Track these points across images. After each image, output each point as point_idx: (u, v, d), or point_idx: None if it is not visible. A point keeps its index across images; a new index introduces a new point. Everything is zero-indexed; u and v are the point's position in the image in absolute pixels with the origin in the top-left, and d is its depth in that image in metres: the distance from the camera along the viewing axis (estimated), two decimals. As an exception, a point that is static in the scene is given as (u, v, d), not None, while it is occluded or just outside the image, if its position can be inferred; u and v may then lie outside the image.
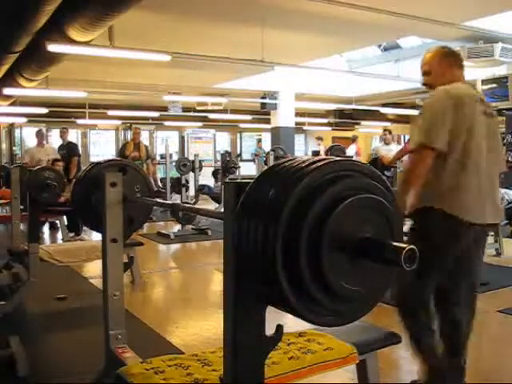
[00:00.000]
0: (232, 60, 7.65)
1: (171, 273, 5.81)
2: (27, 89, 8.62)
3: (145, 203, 2.38)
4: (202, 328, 3.63)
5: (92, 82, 10.58)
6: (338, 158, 1.07)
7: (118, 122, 15.16)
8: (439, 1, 6.05)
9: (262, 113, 13.55)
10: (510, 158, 8.95)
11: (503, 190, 6.15)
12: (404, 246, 0.96)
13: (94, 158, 14.65)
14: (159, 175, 12.17)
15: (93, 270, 5.28)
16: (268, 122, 13.54)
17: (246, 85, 11.72)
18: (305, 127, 16.81)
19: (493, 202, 2.32)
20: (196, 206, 3.30)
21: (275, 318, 1.18)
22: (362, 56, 11.53)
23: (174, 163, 9.09)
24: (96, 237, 5.74)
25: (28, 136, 14.67)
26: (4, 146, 14.93)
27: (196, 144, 15.20)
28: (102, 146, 16.80)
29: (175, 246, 7.16)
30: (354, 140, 13.20)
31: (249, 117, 14.65)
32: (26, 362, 2.79)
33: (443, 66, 2.38)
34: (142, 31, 7.06)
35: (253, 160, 13.21)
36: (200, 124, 15.41)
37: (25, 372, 2.75)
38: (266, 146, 15.08)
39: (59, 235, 7.41)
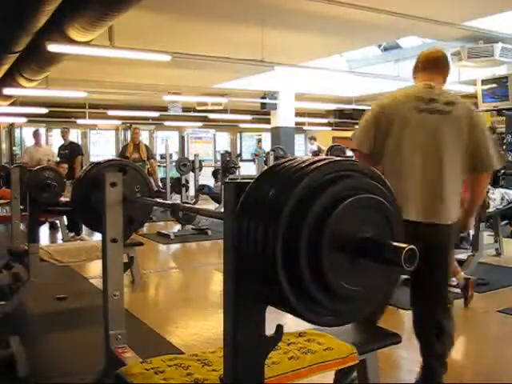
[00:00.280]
0: (232, 60, 7.65)
1: (171, 273, 5.81)
2: (27, 89, 8.62)
3: (145, 203, 2.38)
4: (202, 328, 3.63)
5: (92, 81, 10.58)
6: (338, 158, 1.07)
7: (118, 122, 15.16)
8: (439, 1, 6.05)
9: (262, 113, 13.55)
10: (510, 158, 8.95)
11: (503, 190, 6.15)
12: (404, 245, 0.96)
13: (93, 158, 14.64)
14: (159, 175, 12.17)
15: (93, 270, 5.28)
16: (268, 122, 13.55)
17: (246, 85, 11.72)
18: (305, 127, 16.81)
19: (421, 200, 2.25)
20: (196, 206, 3.31)
21: (275, 318, 1.18)
22: (362, 56, 11.53)
23: (173, 163, 9.10)
24: (96, 237, 5.74)
25: (28, 136, 14.65)
26: (4, 145, 14.93)
27: (196, 144, 15.20)
28: (101, 146, 16.80)
29: (175, 246, 7.16)
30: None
31: (249, 117, 14.65)
32: (25, 362, 2.79)
33: (415, 71, 2.54)
34: (141, 31, 7.06)
35: (253, 160, 13.21)
36: (200, 124, 15.42)
37: (25, 372, 2.75)
38: (266, 145, 15.08)
39: (59, 235, 7.40)
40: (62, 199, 4.63)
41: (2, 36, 5.39)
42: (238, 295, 1.12)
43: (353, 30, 7.21)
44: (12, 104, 11.36)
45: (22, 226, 4.74)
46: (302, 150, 18.06)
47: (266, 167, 7.97)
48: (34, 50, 5.95)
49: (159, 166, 12.25)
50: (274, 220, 0.97)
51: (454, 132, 2.28)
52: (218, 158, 13.06)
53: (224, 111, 13.87)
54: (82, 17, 4.67)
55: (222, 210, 1.19)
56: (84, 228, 7.04)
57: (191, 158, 9.42)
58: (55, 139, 15.84)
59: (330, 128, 17.14)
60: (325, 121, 16.69)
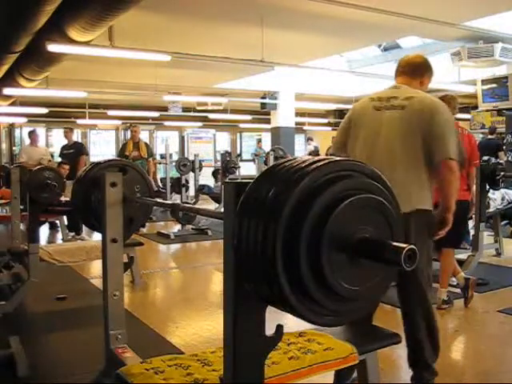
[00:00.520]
0: (232, 60, 7.64)
1: (171, 273, 5.81)
2: (27, 89, 8.62)
3: (145, 203, 2.38)
4: (201, 328, 3.63)
5: (92, 81, 10.58)
6: (338, 158, 1.07)
7: (118, 122, 15.15)
8: (439, 1, 6.05)
9: (262, 113, 13.55)
10: (510, 158, 8.95)
11: (503, 190, 6.15)
12: (404, 245, 0.96)
13: (94, 158, 14.64)
14: (159, 175, 12.16)
15: (93, 270, 5.28)
16: (268, 122, 13.54)
17: (246, 85, 11.72)
18: (305, 127, 16.81)
19: None
20: (196, 206, 3.31)
21: (275, 318, 1.18)
22: (362, 56, 11.52)
23: (173, 163, 9.09)
24: (96, 237, 5.74)
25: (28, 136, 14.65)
26: (4, 145, 14.93)
27: (196, 144, 15.19)
28: (102, 146, 16.80)
29: (175, 246, 7.16)
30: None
31: (249, 117, 14.65)
32: (25, 362, 2.79)
33: (395, 75, 2.60)
34: (141, 31, 7.06)
35: (253, 160, 13.21)
36: (200, 124, 15.41)
37: (25, 372, 2.75)
38: (266, 146, 15.08)
39: (59, 235, 7.41)
40: (63, 199, 4.63)
41: (2, 36, 5.39)
42: (237, 295, 1.12)
43: (353, 30, 7.21)
44: (12, 104, 11.37)
45: (21, 226, 4.74)
46: (302, 150, 18.06)
47: (265, 167, 7.97)
48: (34, 50, 5.95)
49: (159, 163, 12.24)
50: (274, 220, 0.97)
51: (409, 124, 2.32)
52: (218, 157, 13.06)
53: (224, 111, 13.87)
54: (82, 17, 4.67)
55: (222, 209, 1.19)
56: (84, 228, 7.04)
57: (191, 157, 9.41)
58: (55, 139, 15.87)
59: (330, 128, 17.13)
60: (325, 121, 16.69)
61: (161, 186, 10.05)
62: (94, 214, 2.31)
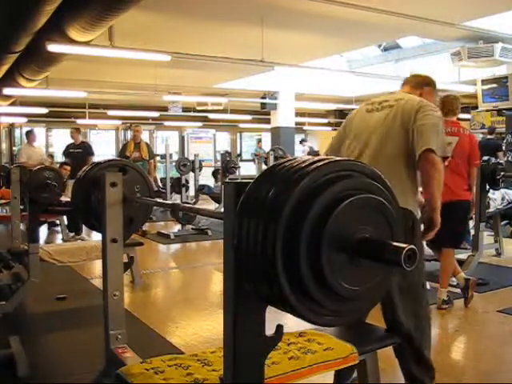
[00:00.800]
0: (232, 60, 7.65)
1: (171, 273, 5.81)
2: (27, 89, 8.62)
3: (145, 203, 2.38)
4: (201, 328, 3.63)
5: (92, 82, 10.58)
6: (338, 158, 1.07)
7: (118, 122, 15.16)
8: (439, 1, 6.05)
9: (262, 113, 13.55)
10: (510, 158, 8.95)
11: (503, 190, 6.15)
12: (404, 245, 0.96)
13: (94, 158, 14.62)
14: (159, 175, 12.15)
15: (93, 270, 5.28)
16: (268, 122, 13.55)
17: (246, 85, 11.72)
18: (305, 127, 16.81)
19: None
20: (196, 206, 3.31)
21: (275, 318, 1.18)
22: (362, 56, 11.53)
23: (173, 163, 9.09)
24: (96, 237, 5.74)
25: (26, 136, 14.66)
26: (4, 146, 14.94)
27: (196, 144, 15.19)
28: (102, 146, 16.80)
29: (175, 246, 7.16)
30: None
31: (249, 117, 14.66)
32: (25, 362, 2.79)
33: (401, 86, 2.68)
34: (141, 31, 7.06)
35: (253, 160, 13.21)
36: (200, 124, 15.41)
37: (25, 372, 2.75)
38: (266, 146, 15.08)
39: (59, 235, 7.41)
40: (63, 199, 4.63)
41: (2, 36, 5.40)
42: (237, 295, 1.12)
43: (353, 29, 7.21)
44: (12, 104, 11.37)
45: (21, 226, 4.74)
46: (302, 150, 18.07)
47: (265, 167, 7.98)
48: (34, 50, 5.96)
49: (160, 162, 12.22)
50: (274, 220, 0.97)
51: (393, 121, 2.31)
52: (218, 157, 13.06)
53: (224, 111, 13.87)
54: (82, 17, 4.67)
55: (222, 209, 1.19)
56: (84, 228, 7.05)
57: (191, 157, 9.41)
58: (55, 139, 15.88)
59: (330, 128, 17.13)
60: (325, 121, 16.69)
61: (161, 185, 10.04)
62: (94, 214, 2.31)
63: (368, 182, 1.06)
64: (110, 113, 13.33)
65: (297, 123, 13.72)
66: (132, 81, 10.83)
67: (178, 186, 8.47)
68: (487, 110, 9.89)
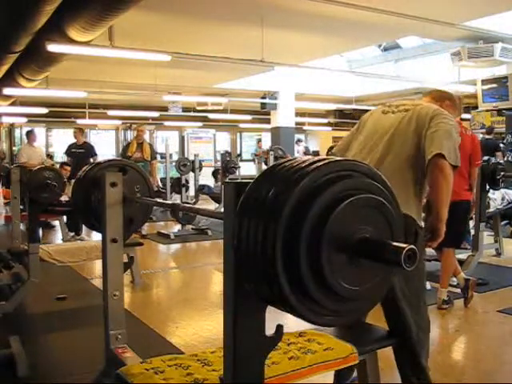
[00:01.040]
0: (232, 60, 7.65)
1: (171, 273, 5.81)
2: (27, 89, 8.62)
3: (145, 203, 2.38)
4: (202, 328, 3.63)
5: (92, 82, 10.58)
6: (338, 158, 1.07)
7: (118, 122, 15.16)
8: (439, 1, 6.06)
9: (262, 113, 13.55)
10: (510, 158, 8.95)
11: (503, 190, 6.15)
12: (404, 245, 0.96)
13: (97, 158, 14.62)
14: (159, 175, 12.13)
15: (93, 270, 5.28)
16: (268, 122, 13.55)
17: (246, 85, 11.72)
18: (305, 127, 16.81)
19: None
20: (196, 206, 3.30)
21: (275, 318, 1.18)
22: (362, 56, 11.53)
23: (173, 163, 9.09)
24: (96, 237, 5.74)
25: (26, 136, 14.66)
26: (4, 145, 14.94)
27: (196, 144, 15.19)
28: (102, 146, 16.79)
29: (175, 246, 7.16)
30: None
31: (249, 117, 14.66)
32: (25, 362, 2.79)
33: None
34: (142, 31, 7.07)
35: (253, 160, 13.20)
36: (200, 124, 15.42)
37: (25, 372, 2.75)
38: (266, 146, 15.08)
39: (59, 235, 7.41)
40: (63, 199, 4.63)
41: (2, 36, 5.40)
42: (237, 295, 1.12)
43: (353, 30, 7.21)
44: (12, 104, 11.37)
45: (21, 226, 4.74)
46: (296, 150, 18.07)
47: (265, 167, 7.97)
48: (34, 50, 5.96)
49: (160, 162, 12.16)
50: (274, 220, 0.97)
51: (408, 124, 2.26)
52: (218, 157, 13.06)
53: (224, 111, 13.88)
54: (82, 17, 4.67)
55: (222, 209, 1.19)
56: (84, 228, 7.04)
57: (191, 158, 9.41)
58: (55, 139, 15.88)
59: (330, 128, 17.13)
60: (325, 121, 16.69)
61: (161, 185, 10.03)
62: (94, 214, 2.31)
63: (368, 182, 1.06)
64: (110, 113, 13.33)
65: (297, 123, 13.72)
66: (132, 81, 10.83)
67: (178, 185, 8.47)
68: (487, 110, 9.89)
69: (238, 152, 18.19)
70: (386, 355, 2.29)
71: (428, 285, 3.79)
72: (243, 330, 1.13)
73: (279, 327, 1.15)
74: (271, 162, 9.39)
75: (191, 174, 9.21)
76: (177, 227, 8.20)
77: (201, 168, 9.83)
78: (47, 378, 2.82)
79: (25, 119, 13.04)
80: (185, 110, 13.97)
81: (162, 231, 7.81)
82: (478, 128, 10.33)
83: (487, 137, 9.02)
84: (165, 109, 13.69)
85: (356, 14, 6.12)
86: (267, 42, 7.08)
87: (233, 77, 11.19)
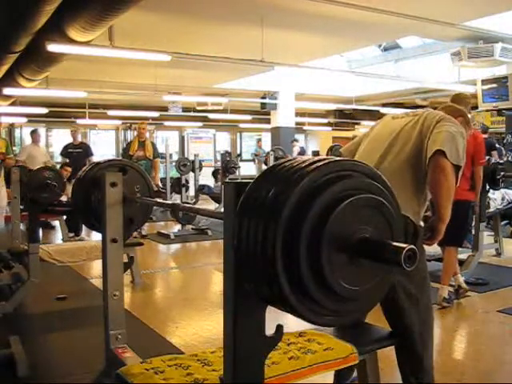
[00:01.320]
0: (232, 60, 7.65)
1: (171, 273, 5.81)
2: (27, 89, 8.62)
3: (145, 203, 2.38)
4: (202, 328, 3.63)
5: (92, 82, 10.58)
6: (338, 158, 1.07)
7: (118, 122, 15.16)
8: (439, 1, 6.05)
9: (262, 113, 13.55)
10: (510, 158, 8.95)
11: (503, 190, 6.15)
12: (404, 245, 0.96)
13: (94, 158, 14.62)
14: (159, 175, 12.12)
15: (93, 270, 5.28)
16: (268, 122, 13.55)
17: (246, 85, 11.72)
18: (305, 127, 16.81)
19: None
20: (196, 206, 3.30)
21: (275, 318, 1.18)
22: (362, 56, 11.53)
23: (173, 163, 9.08)
24: (96, 237, 5.74)
25: (28, 136, 14.66)
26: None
27: (196, 144, 15.19)
28: (102, 146, 16.79)
29: (175, 246, 7.16)
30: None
31: (249, 117, 14.66)
32: (25, 362, 2.79)
33: None
34: (142, 31, 7.06)
35: (253, 160, 13.20)
36: (200, 124, 15.42)
37: (25, 372, 2.75)
38: (266, 146, 15.09)
39: (59, 235, 7.41)
40: (62, 199, 4.63)
41: (2, 36, 5.39)
42: (238, 295, 1.12)
43: (353, 29, 7.21)
44: (12, 104, 11.37)
45: (21, 226, 4.74)
46: (291, 150, 18.08)
47: (265, 167, 7.97)
48: (34, 50, 5.95)
49: (160, 162, 12.13)
50: (274, 220, 0.97)
51: (413, 130, 2.25)
52: (218, 157, 13.05)
53: (224, 111, 13.87)
54: (82, 17, 4.67)
55: (222, 209, 1.19)
56: (84, 228, 7.04)
57: (191, 157, 9.41)
58: (55, 139, 15.87)
59: (330, 128, 17.13)
60: (325, 121, 16.69)
61: (161, 186, 10.03)
62: (94, 214, 2.31)
63: (368, 182, 1.06)
64: (110, 113, 13.33)
65: (297, 123, 13.72)
66: (132, 81, 10.83)
67: (178, 185, 8.47)
68: (487, 110, 9.89)
69: (238, 152, 18.19)
70: (386, 355, 2.30)
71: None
72: (243, 330, 1.13)
73: (279, 327, 1.15)
74: (271, 162, 9.39)
75: (191, 174, 9.21)
76: (177, 227, 8.20)
77: (201, 168, 9.83)
78: (47, 378, 2.82)
79: (25, 119, 13.04)
80: (185, 110, 13.97)
81: (162, 231, 7.81)
82: (478, 128, 10.32)
83: (483, 136, 9.01)
84: (165, 109, 13.68)
85: (356, 14, 6.12)
86: (267, 42, 7.08)
87: (233, 77, 11.19)
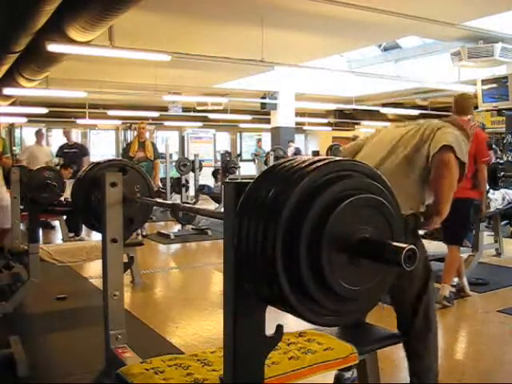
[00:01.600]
0: (232, 60, 7.65)
1: (171, 273, 5.81)
2: (27, 89, 8.62)
3: (145, 203, 2.38)
4: (202, 328, 3.63)
5: (92, 82, 10.58)
6: (338, 158, 1.07)
7: (118, 122, 15.16)
8: (439, 1, 6.05)
9: (262, 113, 13.56)
10: (510, 158, 8.95)
11: (504, 191, 6.14)
12: (404, 245, 0.96)
13: (94, 158, 14.63)
14: (159, 176, 12.12)
15: (93, 270, 5.28)
16: (268, 122, 13.55)
17: (246, 85, 11.72)
18: (305, 127, 16.81)
19: None
20: (196, 206, 3.30)
21: (275, 318, 1.18)
22: (362, 56, 11.53)
23: (173, 163, 9.08)
24: (96, 237, 5.74)
25: (28, 136, 14.67)
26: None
27: (196, 144, 15.19)
28: (102, 146, 16.80)
29: (175, 246, 7.16)
30: (354, 140, 13.21)
31: (249, 117, 14.66)
32: (25, 362, 2.79)
33: None
34: (142, 31, 7.07)
35: (253, 160, 13.20)
36: (200, 124, 15.42)
37: (25, 372, 2.75)
38: (266, 145, 15.09)
39: (59, 235, 7.40)
40: (63, 199, 4.63)
41: (2, 36, 5.39)
42: (238, 295, 1.12)
43: (353, 29, 7.21)
44: (12, 104, 11.37)
45: (21, 226, 4.73)
46: (301, 150, 18.07)
47: (265, 167, 7.96)
48: (34, 50, 5.95)
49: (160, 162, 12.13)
50: (274, 220, 0.97)
51: (414, 137, 2.28)
52: (218, 157, 13.06)
53: (224, 111, 13.88)
54: (82, 17, 4.67)
55: (222, 209, 1.19)
56: (84, 228, 7.04)
57: (191, 157, 9.41)
58: (55, 139, 15.87)
59: (330, 128, 17.13)
60: (325, 121, 16.69)
61: (161, 186, 10.02)
62: (94, 214, 2.31)
63: (368, 182, 1.06)
64: (110, 113, 13.33)
65: (297, 123, 13.72)
66: (132, 81, 10.83)
67: (178, 185, 8.47)
68: (487, 110, 9.88)
69: (238, 152, 18.19)
70: (386, 355, 2.30)
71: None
72: (243, 329, 1.13)
73: (279, 327, 1.15)
74: (271, 162, 9.39)
75: (191, 174, 9.21)
76: (177, 227, 8.20)
77: (201, 168, 9.83)
78: (47, 378, 2.82)
79: (25, 119, 13.04)
80: (185, 109, 13.97)
81: (162, 231, 7.81)
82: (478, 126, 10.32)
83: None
84: (165, 109, 13.68)
85: (356, 14, 6.12)
86: (267, 42, 7.08)
87: (233, 77, 11.19)
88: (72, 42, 5.39)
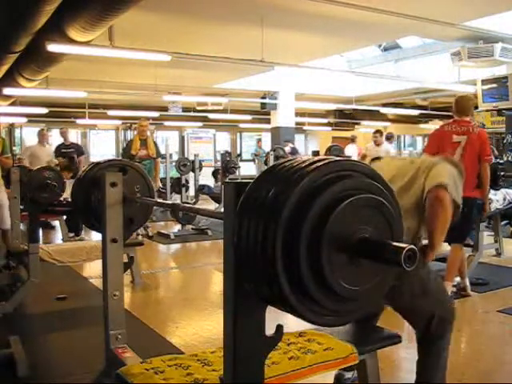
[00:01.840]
0: (232, 60, 7.65)
1: (171, 273, 5.81)
2: (27, 89, 8.62)
3: (145, 203, 2.38)
4: (202, 328, 3.63)
5: (92, 82, 10.58)
6: (338, 158, 1.07)
7: (118, 122, 15.15)
8: (439, 1, 6.05)
9: (262, 113, 13.55)
10: (510, 158, 8.95)
11: (504, 191, 6.14)
12: (404, 245, 0.96)
13: (93, 158, 14.63)
14: (159, 175, 12.11)
15: (93, 270, 5.28)
16: (268, 122, 13.55)
17: (246, 85, 11.72)
18: (305, 127, 16.81)
19: None
20: (196, 206, 3.30)
21: (275, 318, 1.18)
22: (362, 56, 11.53)
23: (174, 163, 9.08)
24: (96, 237, 5.74)
25: (28, 136, 14.68)
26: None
27: (196, 144, 15.18)
28: (102, 146, 16.80)
29: (175, 246, 7.16)
30: (352, 140, 13.20)
31: (249, 117, 14.65)
32: (25, 362, 2.79)
33: None
34: (142, 31, 7.06)
35: (253, 160, 13.20)
36: (200, 124, 15.41)
37: (25, 372, 2.75)
38: (266, 146, 15.09)
39: (59, 235, 7.40)
40: (63, 199, 4.62)
41: (2, 36, 5.39)
42: (238, 295, 1.12)
43: (353, 29, 7.21)
44: (12, 104, 11.37)
45: (21, 226, 4.73)
46: (301, 150, 18.07)
47: (265, 167, 7.96)
48: (34, 50, 5.95)
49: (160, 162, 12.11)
50: (274, 220, 0.97)
51: (410, 166, 2.29)
52: (218, 157, 13.05)
53: (224, 111, 13.87)
54: (82, 17, 4.67)
55: (222, 209, 1.19)
56: (84, 228, 7.04)
57: (191, 157, 9.41)
58: (55, 139, 15.88)
59: (329, 128, 17.13)
60: (325, 121, 16.69)
61: (161, 186, 10.02)
62: (94, 214, 2.31)
63: (368, 182, 1.06)
64: (110, 113, 13.33)
65: (297, 123, 13.72)
66: (132, 81, 10.83)
67: (178, 185, 8.47)
68: (487, 110, 9.89)
69: (238, 152, 18.19)
70: (386, 355, 2.30)
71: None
72: (243, 330, 1.13)
73: (279, 327, 1.15)
74: (271, 162, 9.39)
75: (191, 174, 9.21)
76: (177, 227, 8.20)
77: (201, 168, 9.83)
78: (47, 378, 2.82)
79: (25, 119, 13.04)
80: (185, 109, 13.97)
81: (162, 231, 7.81)
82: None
83: None
84: (165, 109, 13.68)
85: (356, 14, 6.12)
86: (267, 42, 7.08)
87: (233, 77, 11.19)
88: (72, 42, 5.39)
